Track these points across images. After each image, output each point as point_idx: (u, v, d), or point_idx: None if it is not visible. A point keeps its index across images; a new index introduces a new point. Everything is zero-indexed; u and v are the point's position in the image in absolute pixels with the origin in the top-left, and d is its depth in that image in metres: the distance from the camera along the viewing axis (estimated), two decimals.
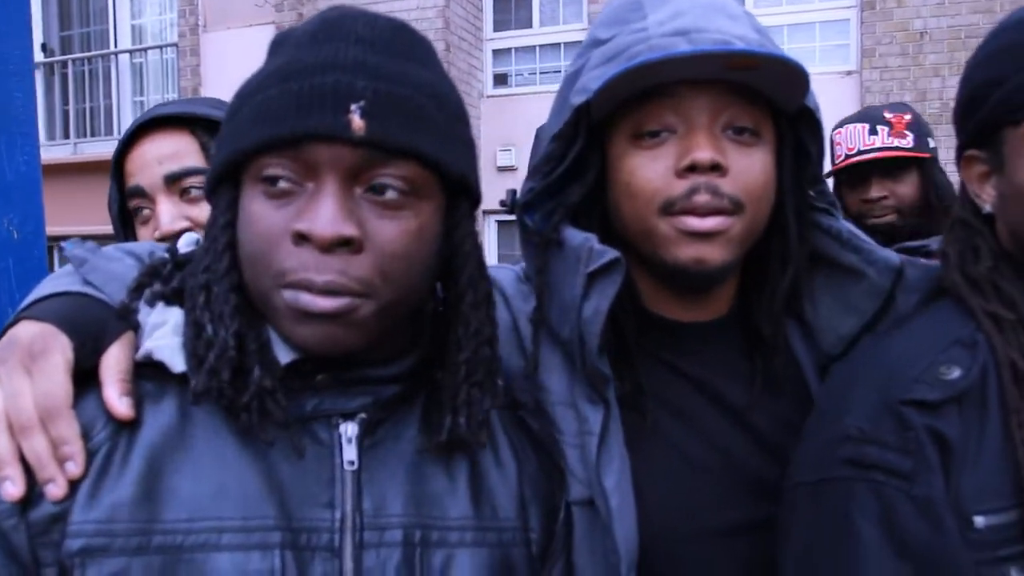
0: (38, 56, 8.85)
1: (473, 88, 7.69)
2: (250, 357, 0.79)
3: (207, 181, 0.84)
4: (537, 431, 1.01)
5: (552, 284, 1.03)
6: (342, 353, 0.80)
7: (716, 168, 0.94)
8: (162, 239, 1.28)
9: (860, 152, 2.22)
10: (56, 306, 0.84)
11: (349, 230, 0.74)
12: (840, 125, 2.33)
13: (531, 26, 7.78)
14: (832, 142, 2.33)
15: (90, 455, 0.77)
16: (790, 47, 6.97)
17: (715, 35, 0.94)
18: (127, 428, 0.79)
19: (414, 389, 0.89)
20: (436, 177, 0.80)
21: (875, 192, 2.20)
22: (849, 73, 6.65)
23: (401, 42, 0.80)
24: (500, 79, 7.91)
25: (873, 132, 2.22)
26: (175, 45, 8.29)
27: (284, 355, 0.81)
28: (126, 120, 8.88)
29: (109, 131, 8.94)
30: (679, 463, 1.03)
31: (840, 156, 2.29)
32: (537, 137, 2.24)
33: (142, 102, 8.92)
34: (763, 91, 0.97)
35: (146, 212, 1.34)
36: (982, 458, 0.84)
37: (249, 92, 0.79)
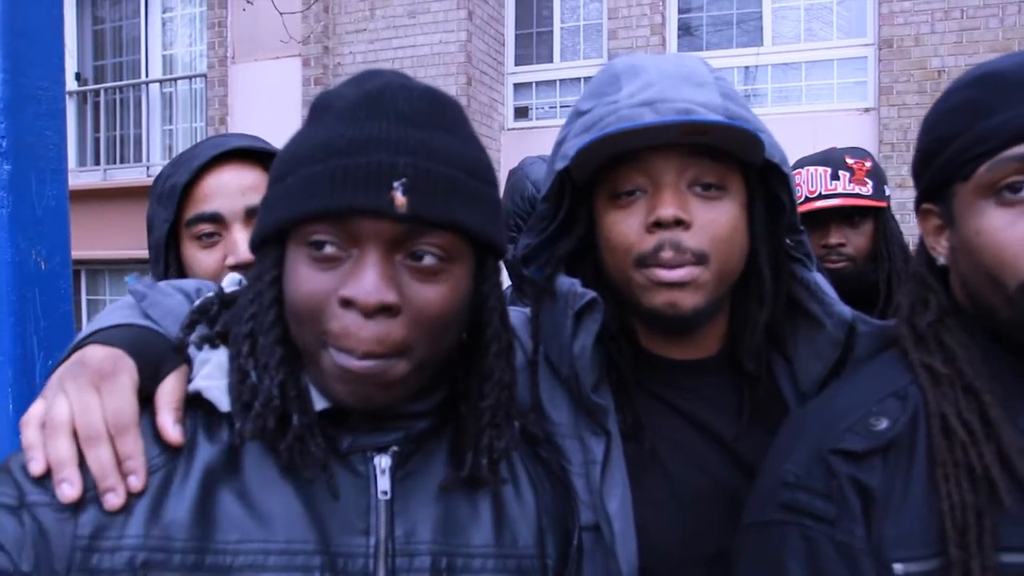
0: (72, 85, 9.08)
1: (494, 121, 7.79)
2: (290, 404, 0.85)
3: (253, 237, 0.91)
4: (551, 462, 1.08)
5: (550, 328, 1.11)
6: (377, 410, 0.87)
7: (680, 223, 1.03)
8: (236, 267, 1.34)
9: (821, 196, 2.19)
10: (122, 334, 0.92)
11: (391, 297, 0.81)
12: (800, 165, 2.30)
13: (552, 61, 7.89)
14: None
15: (149, 474, 0.83)
16: (808, 84, 7.02)
17: (679, 104, 1.03)
18: (184, 453, 0.85)
19: (442, 422, 0.95)
20: (467, 241, 0.87)
21: (834, 239, 2.19)
22: (867, 110, 6.68)
23: (435, 113, 0.86)
24: (521, 112, 8.01)
25: (835, 177, 2.20)
26: (204, 76, 8.48)
27: (319, 402, 0.87)
28: (155, 148, 9.07)
29: (138, 158, 9.13)
30: (675, 492, 1.09)
31: (800, 197, 2.23)
32: (510, 175, 2.29)
33: (171, 131, 9.10)
34: (725, 150, 1.04)
35: (215, 237, 1.39)
36: (906, 506, 0.87)
37: (295, 162, 0.85)
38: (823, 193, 2.19)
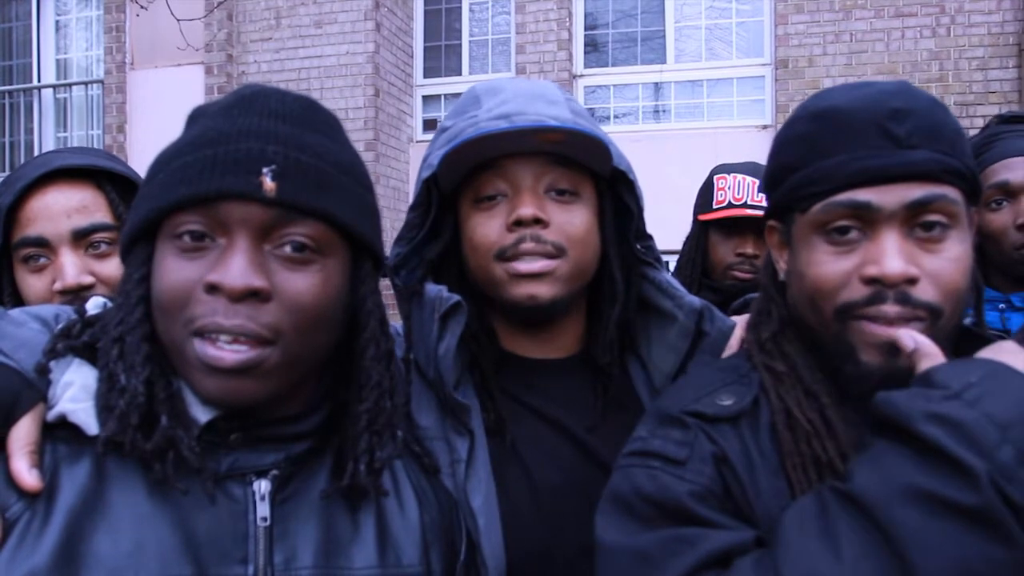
0: None
1: (403, 133, 7.75)
2: (159, 405, 0.82)
3: (123, 240, 0.88)
4: (429, 465, 1.08)
5: (418, 332, 1.17)
6: (247, 405, 0.84)
7: (538, 221, 1.14)
8: (63, 291, 1.29)
9: (748, 205, 2.20)
10: None
11: (258, 282, 0.80)
12: (726, 171, 2.30)
13: (461, 73, 7.89)
14: (714, 185, 2.29)
15: (10, 526, 0.78)
16: (709, 101, 7.23)
17: (533, 116, 1.12)
18: (44, 494, 0.80)
19: (324, 441, 0.94)
20: (340, 237, 0.87)
21: (752, 249, 2.22)
22: (765, 127, 6.92)
23: (309, 116, 0.88)
24: (430, 124, 7.97)
25: (762, 190, 2.23)
26: (101, 82, 8.18)
27: (202, 414, 0.85)
28: None
29: None
30: (534, 486, 1.15)
31: (723, 201, 2.25)
32: None
33: (65, 138, 8.73)
34: (577, 158, 1.15)
35: (42, 261, 1.33)
36: (760, 482, 0.91)
37: (166, 159, 0.85)
38: (750, 203, 2.20)
